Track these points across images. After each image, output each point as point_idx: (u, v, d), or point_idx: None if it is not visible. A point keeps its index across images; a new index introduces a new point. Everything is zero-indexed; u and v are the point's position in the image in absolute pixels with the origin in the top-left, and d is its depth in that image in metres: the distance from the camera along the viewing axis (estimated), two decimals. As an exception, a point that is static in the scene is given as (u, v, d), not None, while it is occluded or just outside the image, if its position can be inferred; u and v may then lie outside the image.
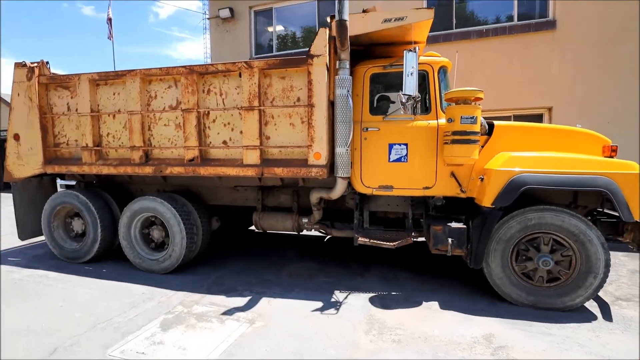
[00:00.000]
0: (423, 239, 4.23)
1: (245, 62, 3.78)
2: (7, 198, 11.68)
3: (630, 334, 2.94)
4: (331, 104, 3.75)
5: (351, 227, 4.41)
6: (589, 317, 3.24)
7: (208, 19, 8.60)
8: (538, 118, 6.61)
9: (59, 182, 5.53)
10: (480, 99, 3.44)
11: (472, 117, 3.39)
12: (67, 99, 4.53)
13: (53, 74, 4.59)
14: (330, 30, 3.61)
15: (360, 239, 3.90)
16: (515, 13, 6.57)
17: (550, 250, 3.31)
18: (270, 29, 8.52)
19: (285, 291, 3.87)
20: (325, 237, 6.15)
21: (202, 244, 4.58)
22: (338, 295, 3.76)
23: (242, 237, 6.29)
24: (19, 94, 4.56)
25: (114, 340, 2.88)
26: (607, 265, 3.18)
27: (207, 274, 4.40)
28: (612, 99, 5.93)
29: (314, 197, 4.16)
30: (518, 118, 6.62)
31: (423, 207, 4.24)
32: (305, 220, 4.53)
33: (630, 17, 5.81)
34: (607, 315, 3.29)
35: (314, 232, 5.41)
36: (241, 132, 3.94)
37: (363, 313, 3.35)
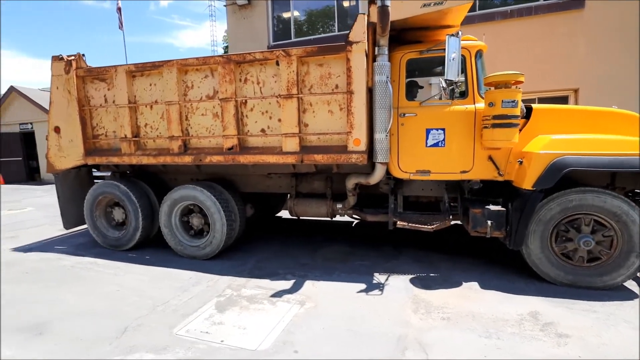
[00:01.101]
0: (458, 221, 4.33)
1: (283, 50, 3.81)
2: (33, 190, 11.99)
3: (672, 310, 3.03)
4: (368, 91, 3.79)
5: (382, 211, 4.52)
6: (630, 295, 3.33)
7: (225, 5, 8.53)
8: (563, 100, 6.56)
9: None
10: (521, 82, 3.46)
11: (513, 101, 3.41)
12: (104, 91, 4.62)
13: (90, 66, 4.66)
14: (368, 16, 3.61)
15: (399, 222, 4.00)
16: (541, -8, 6.45)
17: (591, 231, 3.38)
18: (287, 14, 8.44)
19: (326, 274, 4.01)
20: (353, 222, 6.27)
21: (238, 231, 4.72)
22: (378, 277, 3.89)
23: (270, 223, 6.44)
24: (57, 87, 4.66)
25: (176, 320, 3.04)
26: (650, 245, 3.24)
27: (245, 259, 4.56)
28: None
29: (351, 182, 4.25)
30: (542, 100, 6.57)
31: (457, 191, 4.32)
32: (339, 205, 4.63)
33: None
34: (646, 292, 3.37)
35: (340, 218, 5.56)
36: (279, 120, 4.01)
37: (407, 293, 3.48)
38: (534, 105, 3.74)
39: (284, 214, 7.05)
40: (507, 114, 3.41)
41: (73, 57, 4.57)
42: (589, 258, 3.43)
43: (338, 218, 4.98)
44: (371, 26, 3.67)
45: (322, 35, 8.15)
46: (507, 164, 3.77)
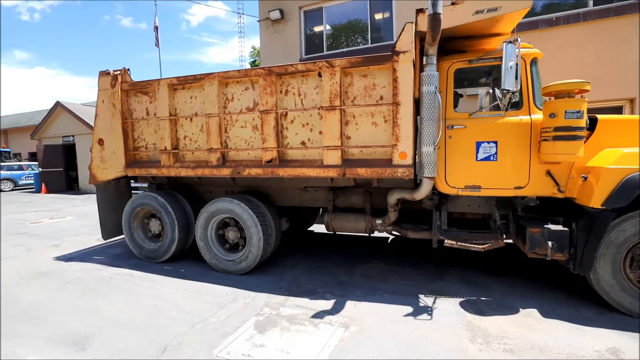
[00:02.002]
0: (510, 240, 4.01)
1: (326, 61, 3.73)
2: (72, 199, 12.50)
3: None
4: (414, 102, 3.62)
5: (423, 228, 4.28)
6: None
7: (258, 21, 8.70)
8: (617, 110, 6.11)
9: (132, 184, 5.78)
10: (587, 91, 3.18)
11: (578, 112, 3.13)
12: (146, 104, 4.71)
13: (134, 80, 4.78)
14: (416, 25, 3.48)
15: (447, 241, 3.74)
16: (590, -2, 6.12)
17: (674, 256, 3.00)
18: (319, 28, 8.49)
19: (367, 294, 3.79)
20: (389, 239, 6.02)
21: (274, 245, 4.60)
22: (424, 300, 3.63)
23: (302, 238, 6.29)
24: (103, 101, 4.80)
25: (216, 340, 2.91)
26: None
27: (281, 275, 4.41)
28: None
29: (393, 197, 4.05)
30: (593, 111, 6.14)
31: (508, 208, 4.03)
32: (379, 221, 4.43)
33: None
34: None
35: (377, 234, 5.33)
36: (320, 132, 3.90)
37: (459, 319, 3.20)
38: (599, 116, 3.44)
39: (315, 227, 6.91)
40: (572, 126, 3.13)
41: (119, 72, 4.70)
42: (671, 287, 3.04)
43: (377, 234, 4.79)
44: (418, 35, 3.53)
45: (355, 47, 8.10)
46: (568, 180, 3.46)
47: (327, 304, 3.58)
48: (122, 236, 5.49)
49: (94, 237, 6.48)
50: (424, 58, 3.49)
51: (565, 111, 3.14)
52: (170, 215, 4.71)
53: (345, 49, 8.10)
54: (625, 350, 2.66)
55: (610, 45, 5.91)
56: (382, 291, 3.86)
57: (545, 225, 3.41)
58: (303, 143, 4.01)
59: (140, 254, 5.02)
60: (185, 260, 4.96)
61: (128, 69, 4.76)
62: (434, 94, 3.47)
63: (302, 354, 2.70)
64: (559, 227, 3.37)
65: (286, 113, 4.02)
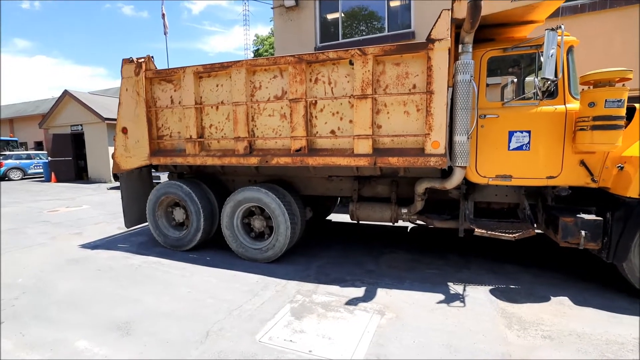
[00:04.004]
0: (539, 230, 4.03)
1: (359, 49, 3.68)
2: (83, 188, 12.56)
3: None
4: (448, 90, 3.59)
5: (449, 217, 4.30)
6: None
7: (272, 8, 8.56)
8: (638, 100, 6.04)
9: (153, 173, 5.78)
10: (629, 79, 3.15)
11: (619, 100, 3.11)
12: (170, 92, 4.68)
13: (158, 68, 4.74)
14: (452, 12, 3.42)
15: (476, 230, 3.76)
16: (617, -16, 5.99)
17: None
18: (335, 15, 8.36)
19: (397, 282, 3.83)
20: (408, 227, 6.05)
21: (299, 234, 4.64)
22: (454, 288, 3.67)
23: (322, 226, 6.33)
24: (127, 89, 4.77)
25: (255, 327, 2.96)
26: None
27: (307, 264, 4.45)
28: None
29: (422, 187, 4.06)
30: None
31: (537, 198, 4.03)
32: (404, 210, 4.44)
33: None
34: None
35: (402, 223, 5.35)
36: (350, 121, 3.88)
37: (492, 307, 3.24)
38: (637, 105, 3.41)
39: (332, 216, 6.94)
40: (612, 115, 3.11)
41: (143, 60, 4.66)
42: None
43: (403, 223, 4.82)
44: (453, 23, 3.47)
45: (371, 35, 7.99)
46: (602, 170, 3.45)
47: (359, 292, 3.62)
48: (144, 224, 5.53)
49: (114, 226, 6.53)
50: (460, 46, 3.45)
51: (606, 100, 3.11)
52: (196, 204, 4.73)
53: (362, 37, 7.98)
54: (663, 337, 2.70)
55: (636, 33, 5.81)
56: (410, 280, 3.90)
57: (579, 215, 3.42)
58: (333, 132, 3.99)
59: (164, 242, 5.07)
60: (209, 249, 5.00)
61: (152, 57, 4.72)
62: (469, 83, 3.44)
63: (344, 339, 2.75)
64: (593, 217, 3.38)
65: (315, 102, 3.99)
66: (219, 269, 4.28)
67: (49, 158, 15.27)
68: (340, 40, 8.19)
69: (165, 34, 13.46)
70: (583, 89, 3.42)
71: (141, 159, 4.89)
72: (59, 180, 15.02)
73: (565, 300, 3.35)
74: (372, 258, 4.63)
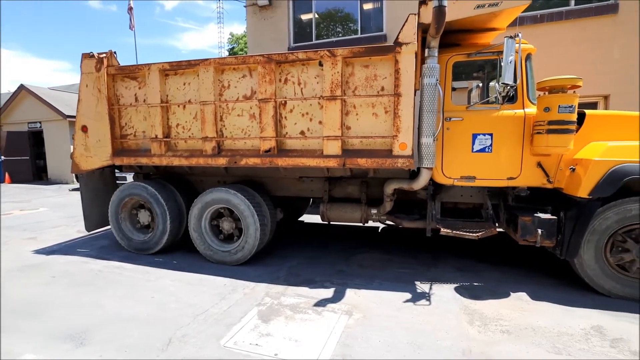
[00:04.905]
0: (501, 229, 4.20)
1: (328, 50, 3.69)
2: (42, 189, 11.80)
3: None
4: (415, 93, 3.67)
5: (418, 217, 4.40)
6: (691, 308, 3.20)
7: (245, 6, 8.44)
8: (592, 106, 6.47)
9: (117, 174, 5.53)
10: (579, 86, 3.35)
11: (570, 106, 3.30)
12: (134, 90, 4.49)
13: (121, 65, 4.53)
14: (419, 16, 3.50)
15: (442, 230, 3.86)
16: (572, -3, 6.39)
17: (651, 242, 3.26)
18: (309, 16, 8.35)
19: (366, 282, 3.87)
20: (379, 228, 6.14)
21: (269, 236, 4.58)
22: (422, 286, 3.75)
23: (294, 228, 6.29)
24: (87, 85, 4.53)
25: (221, 331, 2.89)
26: None
27: (278, 265, 4.41)
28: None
29: (390, 188, 4.13)
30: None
31: (499, 198, 4.20)
32: (374, 211, 4.50)
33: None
34: None
35: (372, 223, 5.42)
36: (320, 122, 3.88)
37: (457, 304, 3.34)
38: (587, 111, 3.63)
39: (305, 217, 6.92)
40: (564, 120, 3.30)
41: (105, 55, 4.44)
42: (647, 270, 3.31)
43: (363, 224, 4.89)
44: (420, 27, 3.56)
45: (345, 37, 8.06)
46: (557, 171, 3.66)
47: (328, 292, 3.63)
48: (107, 228, 5.27)
49: (74, 229, 6.18)
50: (426, 50, 3.54)
51: (559, 105, 3.30)
52: (162, 205, 4.57)
53: (335, 39, 8.03)
54: (608, 327, 2.88)
55: (589, 44, 6.22)
56: (380, 279, 3.95)
57: (536, 214, 3.60)
58: (302, 133, 3.98)
59: (128, 245, 4.85)
60: (177, 252, 4.84)
61: (114, 52, 4.51)
62: (435, 86, 3.53)
63: (311, 341, 2.73)
64: (548, 216, 3.57)
65: (285, 102, 3.96)
66: (185, 273, 4.15)
67: (3, 157, 14.26)
68: (314, 41, 8.20)
69: (131, 28, 12.93)
70: (540, 95, 3.61)
71: (103, 159, 4.66)
72: (14, 181, 14.05)
73: (524, 295, 3.51)
74: (344, 258, 4.66)
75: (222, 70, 4.12)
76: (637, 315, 3.08)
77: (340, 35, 8.30)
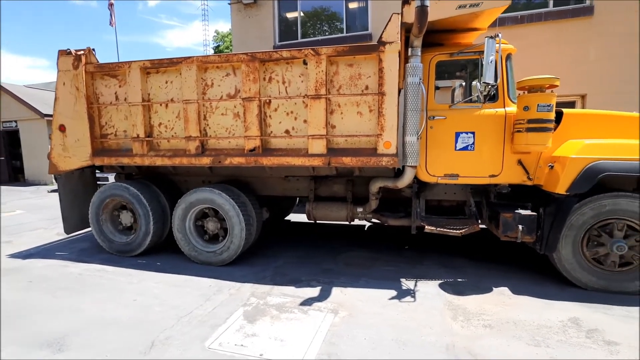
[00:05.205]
0: (483, 226, 4.28)
1: (312, 49, 3.69)
2: (19, 191, 11.38)
3: None
4: (399, 92, 3.70)
5: (403, 215, 4.44)
6: (662, 299, 3.34)
7: (229, 3, 8.33)
8: (570, 105, 6.67)
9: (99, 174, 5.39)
10: (556, 86, 3.44)
11: (549, 105, 3.39)
12: (114, 88, 4.38)
13: (101, 62, 4.41)
14: (401, 16, 3.53)
15: (427, 227, 3.92)
16: (551, -1, 6.57)
17: (624, 236, 3.38)
18: (294, 14, 8.32)
19: (353, 280, 3.89)
20: (365, 226, 6.18)
21: (255, 235, 4.55)
22: (407, 283, 3.79)
23: (280, 227, 6.27)
24: (64, 83, 4.39)
25: (206, 332, 2.86)
26: (681, 249, 3.27)
27: (265, 265, 4.39)
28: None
29: (375, 186, 4.15)
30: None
31: (481, 195, 4.28)
32: (360, 209, 4.52)
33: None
34: (677, 297, 3.39)
35: (357, 222, 5.44)
36: (305, 121, 3.88)
37: (441, 300, 3.39)
38: (564, 110, 3.74)
39: (292, 216, 6.90)
40: (543, 118, 3.39)
41: (83, 52, 4.31)
42: (621, 263, 3.43)
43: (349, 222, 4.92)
44: (403, 26, 3.59)
45: (331, 36, 8.06)
46: (536, 169, 3.75)
47: (314, 292, 3.63)
48: (88, 230, 5.13)
49: (52, 232, 6.00)
50: (409, 49, 3.57)
51: (538, 104, 3.38)
52: (145, 206, 4.47)
53: (321, 37, 8.02)
54: (584, 319, 2.98)
55: (567, 45, 6.40)
56: (366, 277, 3.98)
57: (517, 211, 3.69)
58: (287, 132, 3.96)
59: (110, 248, 4.73)
60: (160, 253, 4.75)
61: (93, 49, 4.38)
62: (418, 85, 3.57)
63: (297, 340, 2.73)
64: (529, 212, 3.66)
65: (269, 101, 3.94)
66: (170, 274, 4.09)
67: (-23, 158, 13.69)
68: (300, 40, 8.17)
69: (111, 25, 12.61)
70: (520, 94, 3.69)
71: (82, 159, 4.53)
72: (-11, 182, 13.51)
73: (505, 290, 3.59)
74: (330, 257, 4.67)
75: (205, 68, 4.06)
76: (611, 306, 3.19)
77: (327, 34, 8.30)
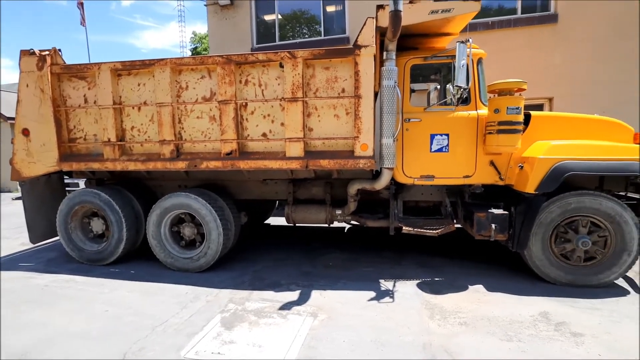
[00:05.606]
0: (459, 225, 4.39)
1: (289, 52, 3.68)
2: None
3: (664, 304, 3.25)
4: (374, 95, 3.75)
5: (381, 217, 4.49)
6: (623, 291, 3.53)
7: (205, 5, 8.21)
8: (539, 108, 6.96)
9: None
10: (524, 89, 3.58)
11: (517, 108, 3.53)
12: (83, 90, 4.21)
13: (67, 63, 4.23)
14: (376, 20, 3.58)
15: (404, 228, 3.97)
16: (519, 6, 6.84)
17: (588, 232, 3.55)
18: (272, 17, 8.29)
19: (332, 282, 3.89)
20: (345, 228, 6.20)
21: (233, 240, 4.48)
22: (385, 284, 3.83)
23: (260, 231, 6.20)
24: (27, 85, 4.18)
25: (181, 341, 2.78)
26: (640, 244, 3.46)
27: (243, 270, 4.32)
28: (610, 91, 6.37)
29: (354, 188, 4.18)
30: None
31: (456, 195, 4.39)
32: (338, 211, 4.54)
33: (629, 14, 6.24)
34: (636, 288, 3.59)
35: (337, 224, 5.47)
36: (282, 124, 3.86)
37: (418, 300, 3.45)
38: (532, 113, 3.90)
39: (271, 220, 6.85)
40: (512, 120, 3.52)
41: (47, 53, 4.12)
42: (586, 258, 3.60)
43: (337, 224, 4.93)
44: (378, 30, 3.64)
45: (309, 39, 8.08)
46: (507, 169, 3.89)
47: (293, 295, 3.60)
48: (55, 239, 4.89)
49: (17, 242, 5.69)
50: (384, 53, 3.63)
51: (507, 107, 3.51)
52: (117, 212, 4.31)
53: (299, 40, 8.03)
54: (553, 312, 3.11)
55: (535, 50, 6.70)
56: (346, 279, 3.99)
57: (490, 210, 3.80)
58: (264, 135, 3.93)
59: (80, 257, 4.53)
60: (135, 261, 4.60)
61: (59, 50, 4.20)
62: (394, 88, 3.63)
63: (275, 345, 2.70)
64: (501, 211, 3.79)
65: (246, 104, 3.90)
66: (144, 282, 3.95)
67: None
68: (278, 42, 8.15)
69: (82, 24, 12.15)
70: (490, 97, 3.82)
71: (48, 165, 4.32)
72: (-52, 190, 12.66)
73: (480, 287, 3.69)
74: (310, 260, 4.65)
75: (179, 70, 3.97)
76: (577, 299, 3.34)
77: (306, 36, 8.32)
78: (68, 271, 4.29)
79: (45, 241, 5.13)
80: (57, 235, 4.67)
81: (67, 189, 5.13)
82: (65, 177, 5.11)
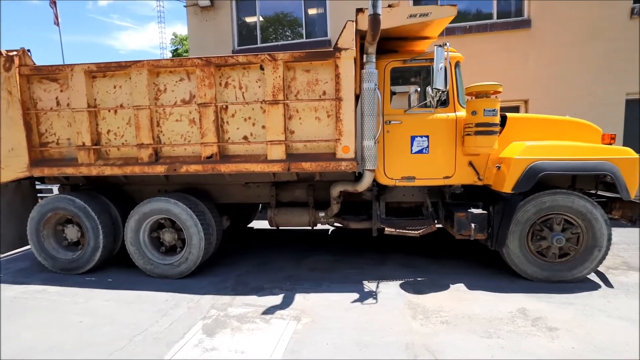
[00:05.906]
0: (440, 225, 4.46)
1: (269, 54, 3.66)
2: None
3: (632, 296, 3.39)
4: (355, 98, 3.78)
5: (364, 218, 4.53)
6: (594, 285, 3.67)
7: (185, 6, 8.08)
8: (515, 110, 7.19)
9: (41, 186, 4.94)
10: (499, 92, 3.69)
11: (493, 110, 3.62)
12: (55, 93, 4.06)
13: (38, 64, 4.06)
14: (356, 23, 3.61)
15: (387, 229, 4.01)
16: (494, 11, 7.05)
17: (562, 229, 3.67)
18: (253, 19, 8.23)
19: (315, 285, 3.88)
20: (329, 230, 6.21)
21: (215, 245, 4.41)
22: (369, 285, 3.85)
23: (243, 235, 6.12)
24: (-6, 87, 3.99)
25: (161, 351, 2.70)
26: (609, 239, 3.61)
27: (225, 275, 4.26)
28: (583, 93, 6.65)
29: (336, 190, 4.19)
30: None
31: (437, 196, 4.47)
32: (321, 214, 4.54)
33: (599, 18, 6.54)
34: (606, 282, 3.74)
35: (320, 226, 5.46)
36: (263, 126, 3.83)
37: (401, 300, 3.48)
38: (508, 114, 4.01)
39: (254, 224, 6.78)
40: (489, 122, 3.61)
41: (15, 53, 3.95)
42: (560, 254, 3.73)
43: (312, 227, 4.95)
44: (358, 34, 3.67)
45: (290, 41, 8.07)
46: (485, 169, 3.98)
47: (277, 299, 3.57)
48: (27, 248, 4.68)
49: (-15, 251, 5.39)
50: (364, 56, 3.66)
51: (484, 109, 3.61)
52: (93, 219, 4.16)
53: (280, 43, 8.01)
54: (530, 308, 3.20)
55: (510, 54, 6.92)
56: (329, 281, 3.98)
57: (469, 210, 3.88)
58: (245, 138, 3.89)
59: (53, 266, 4.34)
60: (112, 269, 4.45)
61: (28, 50, 4.03)
62: (374, 91, 3.66)
63: (258, 351, 2.66)
64: (480, 211, 3.87)
65: (226, 106, 3.85)
66: (122, 291, 3.83)
67: None
68: (259, 45, 8.10)
69: (55, 24, 11.74)
70: (468, 99, 3.91)
71: (18, 171, 4.13)
72: None
73: (461, 286, 3.76)
74: (294, 262, 4.63)
75: (157, 73, 3.88)
76: (553, 294, 3.45)
77: (289, 39, 8.30)
78: (39, 281, 4.11)
79: (15, 251, 4.90)
80: (28, 244, 4.46)
81: (39, 195, 4.93)
82: (38, 182, 4.91)
